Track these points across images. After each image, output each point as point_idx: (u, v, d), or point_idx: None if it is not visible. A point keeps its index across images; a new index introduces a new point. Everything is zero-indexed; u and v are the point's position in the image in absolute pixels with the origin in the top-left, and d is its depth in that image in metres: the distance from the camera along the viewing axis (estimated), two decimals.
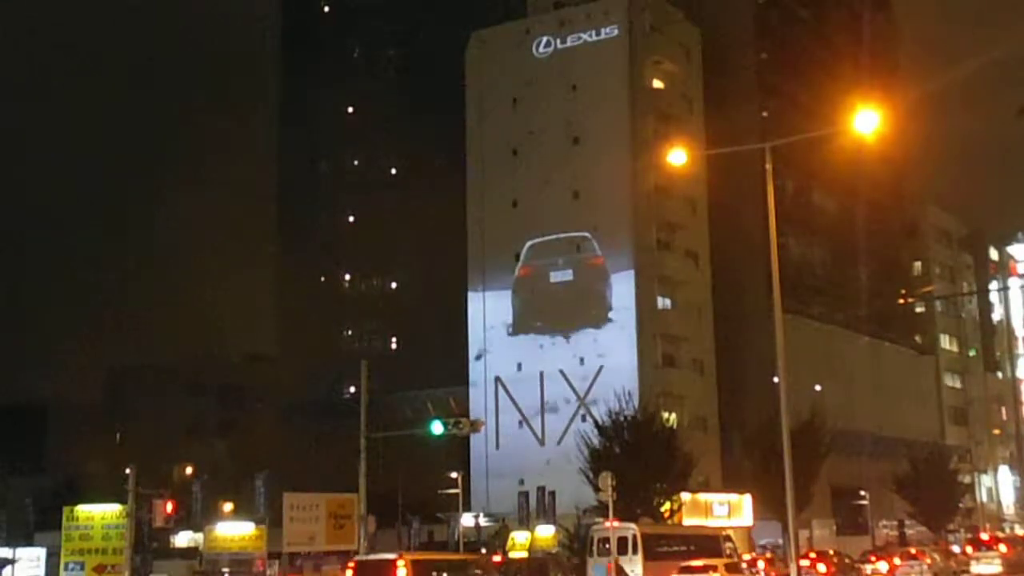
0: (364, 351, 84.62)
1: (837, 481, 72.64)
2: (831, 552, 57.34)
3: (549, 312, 74.98)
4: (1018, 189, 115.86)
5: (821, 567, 50.45)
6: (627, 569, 40.10)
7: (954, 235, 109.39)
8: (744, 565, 43.80)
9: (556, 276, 75.37)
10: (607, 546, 39.31)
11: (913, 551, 57.86)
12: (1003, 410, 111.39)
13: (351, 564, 31.44)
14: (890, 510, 79.75)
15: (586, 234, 74.34)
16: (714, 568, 39.45)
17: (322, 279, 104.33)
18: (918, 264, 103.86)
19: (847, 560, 57.48)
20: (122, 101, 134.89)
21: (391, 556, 30.57)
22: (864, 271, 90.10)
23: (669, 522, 51.99)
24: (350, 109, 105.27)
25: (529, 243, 76.04)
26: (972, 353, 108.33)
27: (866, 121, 27.19)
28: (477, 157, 78.93)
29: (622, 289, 72.79)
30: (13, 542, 52.15)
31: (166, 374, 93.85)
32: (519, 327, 75.93)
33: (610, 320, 73.10)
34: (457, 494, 59.79)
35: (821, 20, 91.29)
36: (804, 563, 50.10)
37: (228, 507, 60.47)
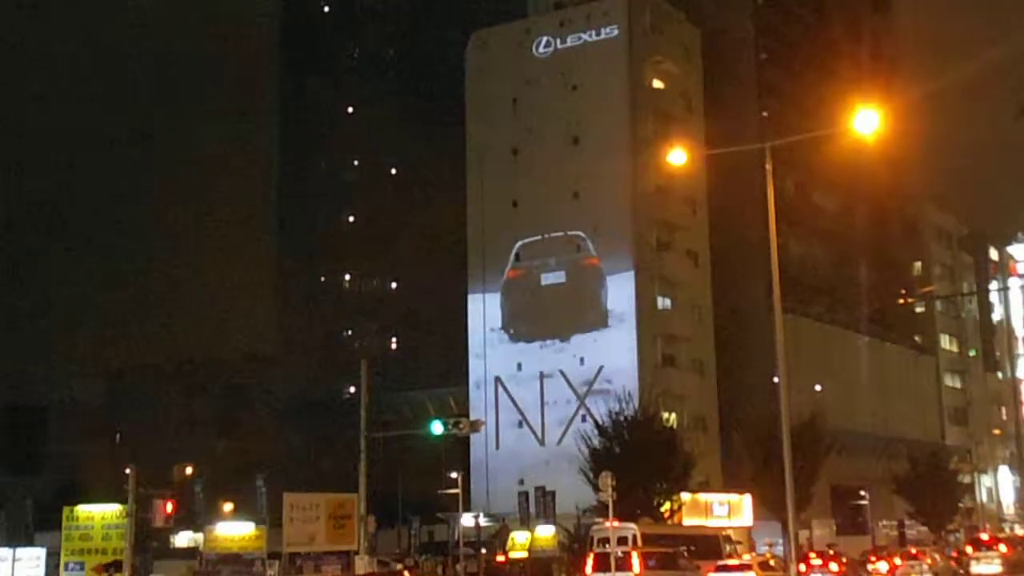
0: (364, 351, 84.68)
1: (837, 481, 72.64)
2: (831, 551, 57.26)
3: (540, 317, 74.69)
4: (1018, 189, 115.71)
5: (833, 566, 50.38)
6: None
7: (954, 235, 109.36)
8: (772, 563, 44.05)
9: (548, 278, 75.07)
10: (607, 546, 39.33)
11: (913, 551, 57.86)
12: (1003, 410, 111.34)
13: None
14: (890, 510, 79.76)
15: (580, 233, 74.23)
16: (749, 567, 39.78)
17: (322, 279, 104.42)
18: (918, 264, 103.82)
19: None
20: (121, 101, 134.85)
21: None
22: (864, 271, 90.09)
23: (669, 522, 52.01)
24: (350, 109, 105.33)
25: (520, 242, 75.87)
26: (972, 353, 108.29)
27: (866, 121, 27.20)
28: (477, 157, 78.86)
29: (622, 289, 72.71)
30: (13, 542, 52.11)
31: (166, 374, 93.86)
32: (509, 333, 75.73)
33: (604, 327, 72.89)
34: (457, 494, 59.78)
35: (821, 20, 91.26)
36: (816, 562, 50.16)
37: (228, 507, 60.50)
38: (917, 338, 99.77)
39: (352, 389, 73.06)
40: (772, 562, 44.50)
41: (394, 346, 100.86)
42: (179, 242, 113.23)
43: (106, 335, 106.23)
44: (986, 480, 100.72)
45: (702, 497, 61.18)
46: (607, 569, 38.00)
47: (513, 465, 72.26)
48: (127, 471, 37.63)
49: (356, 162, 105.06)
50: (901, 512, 78.09)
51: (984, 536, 62.95)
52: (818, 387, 73.06)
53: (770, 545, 57.50)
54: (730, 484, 66.78)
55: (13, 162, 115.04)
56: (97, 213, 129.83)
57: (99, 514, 39.33)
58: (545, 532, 55.16)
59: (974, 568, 52.88)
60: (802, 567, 43.98)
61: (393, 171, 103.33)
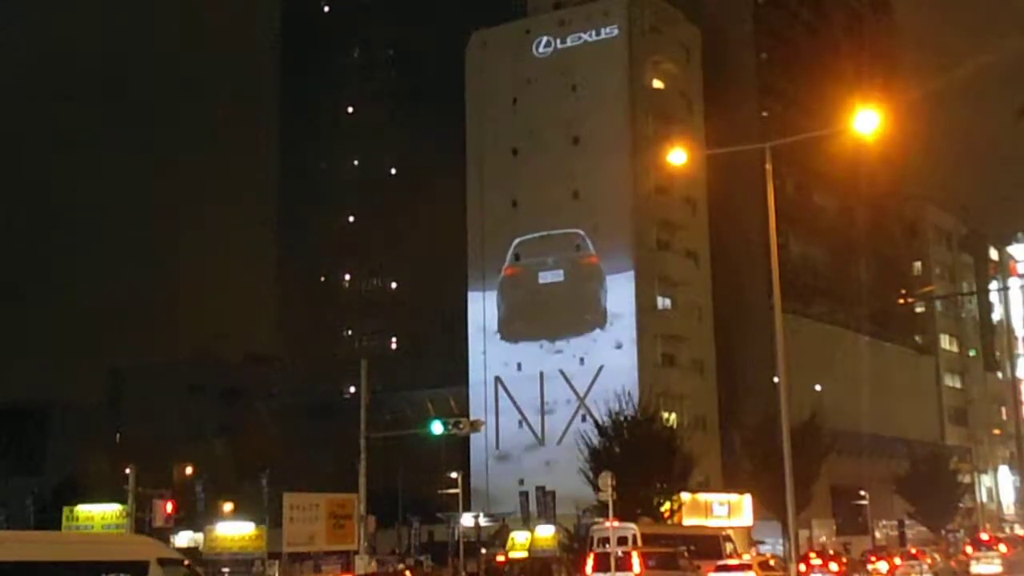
0: (364, 351, 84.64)
1: (837, 481, 72.62)
2: (831, 551, 57.28)
3: (538, 317, 74.57)
4: (1018, 189, 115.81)
5: (833, 566, 50.41)
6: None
7: (954, 235, 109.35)
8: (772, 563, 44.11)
9: (545, 277, 75.00)
10: (607, 546, 39.35)
11: (913, 551, 57.88)
12: (1003, 410, 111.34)
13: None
14: (890, 510, 79.73)
15: (579, 231, 74.17)
16: (749, 567, 39.84)
17: (322, 279, 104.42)
18: (918, 264, 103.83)
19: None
20: (122, 101, 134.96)
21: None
22: (864, 271, 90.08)
23: (669, 522, 52.00)
24: (350, 109, 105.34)
25: (517, 240, 75.81)
26: (972, 353, 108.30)
27: (866, 121, 27.17)
28: (477, 157, 78.91)
29: (622, 289, 72.72)
30: None
31: (166, 374, 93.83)
32: (506, 332, 75.66)
33: (602, 328, 72.80)
34: (457, 494, 59.79)
35: (821, 20, 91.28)
36: (816, 562, 50.19)
37: (228, 507, 60.44)
38: (917, 338, 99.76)
39: (352, 389, 73.03)
40: (772, 562, 44.48)
41: (394, 346, 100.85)
42: (180, 242, 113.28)
43: (106, 335, 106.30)
44: (986, 480, 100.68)
45: (702, 497, 61.14)
46: (607, 569, 38.02)
47: (513, 465, 72.26)
48: (127, 471, 37.63)
49: (356, 162, 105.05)
50: (901, 512, 78.09)
51: (984, 536, 62.91)
52: (818, 387, 73.01)
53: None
54: (730, 484, 66.74)
55: (13, 162, 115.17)
56: (97, 213, 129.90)
57: (99, 514, 39.36)
58: (545, 532, 55.16)
59: (974, 568, 52.86)
60: (802, 567, 43.98)
61: (393, 171, 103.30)
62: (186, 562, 20.08)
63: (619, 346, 72.01)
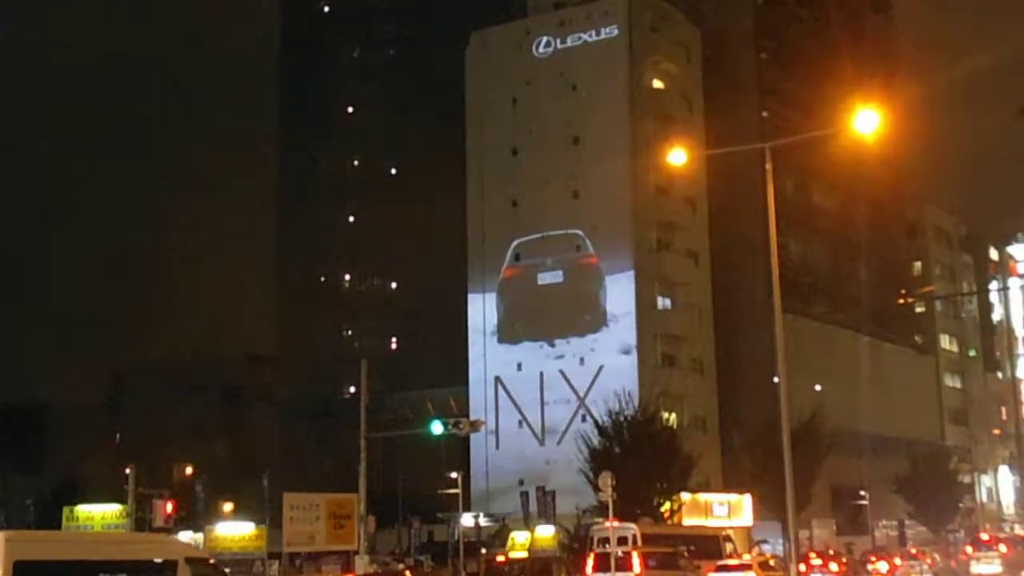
0: (364, 351, 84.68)
1: (837, 481, 72.58)
2: (832, 551, 57.26)
3: (537, 318, 74.49)
4: (1018, 189, 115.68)
5: (833, 566, 50.45)
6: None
7: (954, 235, 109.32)
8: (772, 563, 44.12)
9: (545, 278, 74.97)
10: (607, 546, 39.36)
11: (913, 551, 57.87)
12: (1003, 410, 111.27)
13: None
14: (890, 510, 79.71)
15: (579, 232, 74.16)
16: (749, 567, 39.88)
17: (322, 279, 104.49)
18: (918, 264, 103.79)
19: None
20: (121, 101, 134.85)
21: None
22: (864, 271, 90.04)
23: (669, 522, 52.03)
24: (350, 109, 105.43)
25: (516, 241, 75.79)
26: (972, 353, 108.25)
27: (866, 121, 27.14)
28: (477, 157, 78.91)
29: (622, 289, 72.72)
30: None
31: (166, 374, 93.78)
32: (504, 334, 75.61)
33: (602, 329, 72.79)
34: (457, 494, 59.82)
35: (821, 20, 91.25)
36: (816, 562, 50.22)
37: (228, 507, 60.50)
38: (917, 338, 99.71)
39: (352, 389, 73.08)
40: (772, 562, 44.49)
41: (394, 346, 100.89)
42: (180, 242, 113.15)
43: (106, 335, 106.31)
44: (986, 480, 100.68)
45: (702, 497, 61.15)
46: (607, 569, 38.06)
47: (513, 465, 72.25)
48: (127, 471, 37.65)
49: (356, 162, 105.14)
50: (901, 512, 78.04)
51: (984, 536, 62.90)
52: (818, 387, 73.01)
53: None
54: (730, 484, 66.75)
55: (13, 161, 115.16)
56: (97, 213, 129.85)
57: (99, 514, 39.34)
58: (545, 532, 55.11)
59: (974, 568, 52.84)
60: (802, 567, 43.98)
61: (393, 171, 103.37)
62: (211, 560, 20.30)
63: (619, 346, 71.99)
